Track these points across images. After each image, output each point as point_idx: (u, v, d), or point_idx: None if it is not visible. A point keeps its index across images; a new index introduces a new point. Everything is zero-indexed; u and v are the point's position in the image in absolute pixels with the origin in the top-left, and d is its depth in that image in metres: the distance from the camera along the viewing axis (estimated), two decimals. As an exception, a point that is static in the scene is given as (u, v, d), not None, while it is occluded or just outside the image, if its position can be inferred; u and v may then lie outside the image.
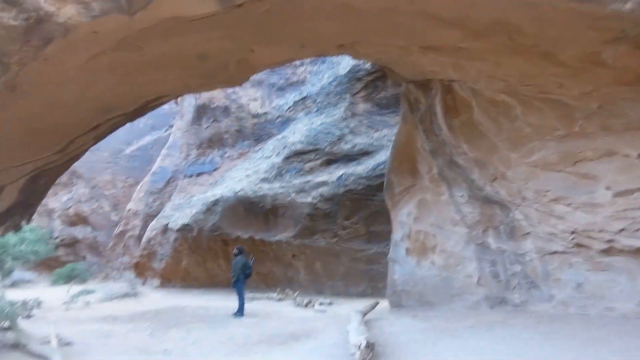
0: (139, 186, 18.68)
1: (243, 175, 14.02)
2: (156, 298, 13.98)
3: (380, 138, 11.83)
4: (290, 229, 12.31)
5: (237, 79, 7.83)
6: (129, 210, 18.53)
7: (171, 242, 15.16)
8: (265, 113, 14.72)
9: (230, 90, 15.36)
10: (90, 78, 6.61)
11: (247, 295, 12.71)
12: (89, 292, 12.51)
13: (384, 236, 10.74)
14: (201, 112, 16.12)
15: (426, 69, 7.48)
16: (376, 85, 12.51)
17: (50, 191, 22.73)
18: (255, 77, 15.15)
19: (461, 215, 8.27)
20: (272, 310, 10.81)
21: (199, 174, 15.80)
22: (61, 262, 21.76)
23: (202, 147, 16.05)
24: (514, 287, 7.57)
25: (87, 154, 21.27)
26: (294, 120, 13.94)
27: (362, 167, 11.75)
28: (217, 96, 15.61)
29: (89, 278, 19.67)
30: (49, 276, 20.22)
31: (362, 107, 12.54)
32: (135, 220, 17.98)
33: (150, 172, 18.44)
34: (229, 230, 13.51)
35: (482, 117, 7.50)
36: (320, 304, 10.88)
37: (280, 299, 12.05)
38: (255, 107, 14.89)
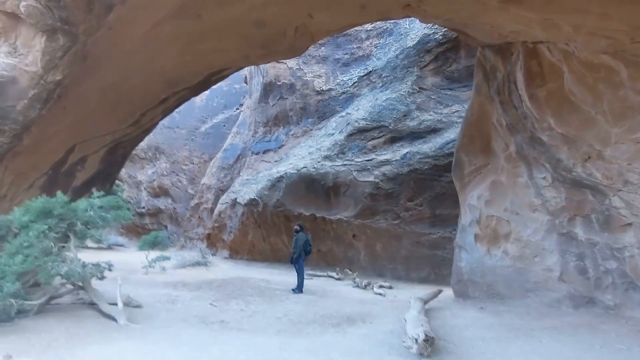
0: (212, 162, 19.15)
1: (306, 152, 13.54)
2: (224, 268, 14.23)
3: (450, 114, 10.57)
4: (351, 208, 11.64)
5: (296, 49, 7.20)
6: (203, 184, 19.10)
7: (239, 216, 15.29)
8: (329, 90, 13.99)
9: (295, 67, 14.85)
10: (154, 47, 6.40)
11: (307, 272, 12.43)
12: (165, 258, 13.01)
13: (450, 220, 9.66)
14: (268, 90, 15.83)
15: (506, 29, 6.20)
16: (447, 57, 11.16)
17: (138, 164, 24.35)
18: (320, 53, 14.50)
19: (542, 200, 6.97)
20: (331, 289, 10.34)
21: (265, 151, 15.64)
22: (148, 229, 23.33)
23: (268, 125, 15.82)
24: (607, 287, 6.21)
25: (168, 131, 22.35)
26: (358, 97, 13.06)
27: (428, 146, 10.63)
28: (283, 74, 15.17)
29: (169, 245, 20.91)
30: (137, 242, 21.96)
31: (430, 81, 11.30)
32: (209, 194, 18.48)
33: (222, 148, 18.75)
34: (292, 207, 13.19)
35: (575, 85, 6.07)
36: (380, 286, 10.17)
37: (339, 279, 11.55)
38: (319, 83, 14.22)
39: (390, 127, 11.42)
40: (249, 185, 15.20)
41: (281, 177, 13.58)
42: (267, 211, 13.91)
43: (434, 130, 10.77)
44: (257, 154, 16.00)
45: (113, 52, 6.08)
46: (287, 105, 15.00)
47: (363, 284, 10.25)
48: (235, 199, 15.53)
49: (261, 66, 16.24)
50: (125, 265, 13.39)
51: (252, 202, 14.53)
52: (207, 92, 21.71)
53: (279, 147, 15.10)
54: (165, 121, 22.49)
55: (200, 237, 18.30)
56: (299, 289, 9.61)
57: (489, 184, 7.83)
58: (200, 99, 21.36)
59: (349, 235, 11.84)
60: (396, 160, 10.91)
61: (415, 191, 10.56)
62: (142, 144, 23.12)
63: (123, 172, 24.37)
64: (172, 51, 6.39)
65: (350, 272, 11.18)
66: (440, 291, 8.19)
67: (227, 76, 8.44)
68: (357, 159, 11.76)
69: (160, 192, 22.40)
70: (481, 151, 7.89)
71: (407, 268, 10.93)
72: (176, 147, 21.36)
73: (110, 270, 7.12)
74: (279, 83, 15.28)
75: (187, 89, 7.58)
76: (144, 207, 23.07)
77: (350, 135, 12.18)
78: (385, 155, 11.26)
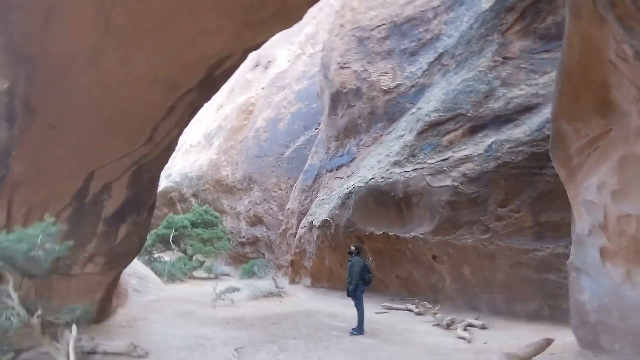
0: (294, 186, 18.24)
1: (375, 161, 11.45)
2: (297, 300, 12.70)
3: (548, 84, 7.47)
4: (427, 221, 9.08)
5: (291, 9, 5.56)
6: (288, 209, 18.20)
7: (315, 239, 13.77)
8: (397, 86, 11.81)
9: (360, 69, 13.09)
10: (120, 44, 5.45)
11: (384, 304, 10.12)
12: (234, 290, 12.11)
13: (564, 229, 6.49)
14: (336, 100, 14.30)
15: None
16: (537, 10, 8.15)
17: (237, 195, 24.87)
18: (385, 47, 12.46)
19: None
20: (402, 328, 7.89)
21: (339, 167, 13.97)
22: (248, 258, 23.38)
23: (339, 138, 14.19)
24: None
25: (257, 160, 22.33)
26: (430, 87, 10.60)
27: (521, 130, 7.65)
28: (348, 79, 13.51)
29: (266, 273, 20.39)
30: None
31: (517, 46, 8.34)
32: (293, 218, 17.43)
33: (303, 170, 17.73)
34: (362, 226, 11.12)
35: None
36: (468, 326, 7.39)
37: (419, 313, 8.98)
38: (386, 82, 12.15)
39: (468, 115, 8.72)
40: (322, 206, 13.63)
41: (350, 192, 11.70)
42: (339, 232, 12.08)
43: (527, 109, 7.76)
44: (330, 171, 14.43)
45: (72, 57, 5.23)
46: (355, 112, 13.21)
47: (445, 321, 7.58)
48: (312, 221, 14.08)
49: (328, 76, 14.92)
50: (202, 296, 12.95)
51: (324, 224, 12.88)
52: (288, 116, 21.33)
53: (351, 161, 13.27)
54: (255, 151, 22.65)
55: (288, 264, 17.25)
56: (358, 328, 7.49)
57: (615, 162, 4.81)
58: (282, 125, 20.99)
59: (428, 256, 9.23)
60: (479, 154, 8.13)
61: (509, 192, 7.61)
62: (238, 175, 23.66)
63: (225, 204, 25.27)
64: (145, 45, 5.36)
65: (429, 306, 8.56)
66: (549, 343, 5.20)
67: (233, 69, 7.18)
68: (429, 161, 9.25)
69: (256, 220, 22.31)
70: (595, 111, 4.90)
71: (508, 299, 7.84)
72: (265, 175, 21.14)
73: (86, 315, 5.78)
74: (345, 91, 13.65)
75: (191, 92, 6.48)
76: (244, 237, 23.25)
77: (420, 132, 9.77)
78: (465, 150, 8.56)
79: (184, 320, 9.28)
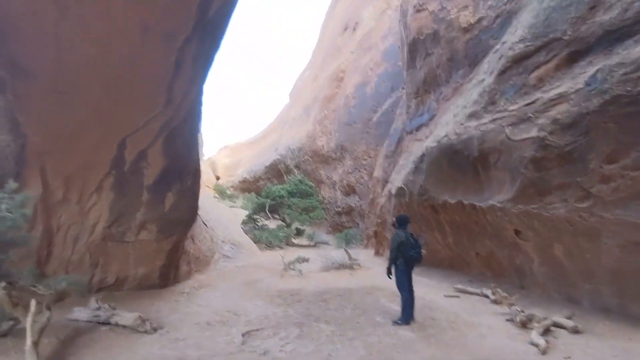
0: (380, 152, 16.62)
1: (451, 116, 9.29)
2: (369, 273, 11.42)
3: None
4: (507, 186, 6.85)
5: None
6: (374, 177, 16.77)
7: (392, 209, 12.25)
8: (478, 20, 9.21)
9: (437, 8, 10.72)
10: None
11: (458, 285, 8.28)
12: (303, 260, 11.53)
13: None
14: (413, 51, 12.13)
15: None
16: None
17: (332, 165, 24.21)
18: (465, -25, 9.86)
19: None
20: (465, 320, 6.11)
21: (418, 127, 11.96)
22: (345, 227, 22.81)
23: (419, 94, 12.07)
24: None
25: (347, 127, 21.14)
26: (518, 13, 7.89)
27: (645, 46, 4.96)
28: (425, 23, 11.22)
29: (359, 243, 19.54)
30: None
31: None
32: (378, 187, 15.99)
33: (388, 135, 15.96)
34: (435, 193, 9.21)
35: None
36: (554, 326, 5.28)
37: (495, 301, 6.96)
38: (466, 17, 9.61)
39: (565, 38, 6.08)
40: (400, 172, 11.95)
41: (423, 155, 9.83)
42: (413, 201, 10.35)
43: (657, 14, 4.98)
44: (410, 132, 12.49)
45: (45, 11, 4.78)
46: (434, 61, 10.95)
47: (520, 317, 5.57)
48: (391, 189, 12.55)
49: (405, 25, 12.78)
50: (276, 265, 12.70)
51: (399, 192, 11.26)
52: (375, 79, 19.43)
53: (431, 119, 11.17)
54: (345, 118, 21.48)
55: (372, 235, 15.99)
56: (403, 317, 6.05)
57: None
58: (370, 88, 19.28)
59: (510, 231, 7.01)
60: (577, 90, 5.59)
61: (621, 141, 5.02)
62: (332, 145, 22.92)
63: (322, 174, 24.94)
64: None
65: (504, 295, 6.50)
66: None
67: (229, 7, 6.03)
68: (511, 107, 6.89)
69: (349, 189, 21.42)
70: None
71: (619, 293, 5.34)
72: (355, 142, 19.91)
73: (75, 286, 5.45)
74: (422, 37, 11.42)
75: (190, 41, 5.63)
76: (339, 206, 22.67)
77: (502, 72, 7.35)
78: (558, 87, 6.02)
79: (241, 291, 9.02)
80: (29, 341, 3.87)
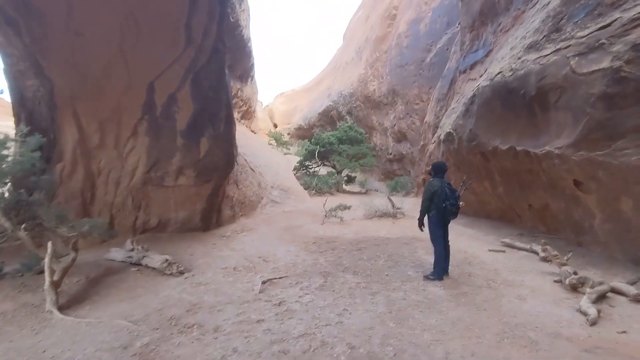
0: (432, 95, 15.20)
1: (508, 49, 7.94)
2: (411, 223, 10.89)
3: None
4: (568, 130, 5.74)
5: None
6: (425, 122, 15.55)
7: (441, 156, 11.32)
8: None
9: None
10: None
11: (505, 239, 7.53)
12: (345, 207, 11.26)
13: None
14: (470, -25, 10.42)
15: None
16: None
17: (384, 111, 22.98)
18: None
19: None
20: (505, 278, 5.53)
21: (472, 65, 10.56)
22: (397, 174, 22.05)
23: (474, 28, 10.50)
24: None
25: (399, 70, 19.60)
26: None
27: None
28: (485, -60, 9.46)
29: (410, 191, 18.84)
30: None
31: None
32: (429, 132, 14.85)
33: (441, 76, 14.44)
34: (485, 139, 8.18)
35: None
36: (612, 292, 4.51)
37: (544, 258, 6.16)
38: None
39: None
40: (450, 116, 10.83)
41: (473, 96, 8.69)
42: (462, 148, 9.39)
43: None
44: (464, 72, 11.10)
45: None
46: (493, -14, 9.31)
47: (568, 280, 4.83)
48: (440, 135, 11.53)
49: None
50: (320, 212, 12.58)
51: (447, 138, 10.28)
52: (429, 14, 17.34)
53: (486, 55, 9.74)
54: (397, 59, 19.85)
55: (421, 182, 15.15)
56: (435, 272, 5.59)
57: None
58: (424, 25, 17.35)
59: (568, 181, 5.99)
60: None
61: None
62: (383, 89, 21.58)
63: (374, 120, 23.86)
64: None
65: (555, 253, 5.68)
66: None
67: None
68: (580, 33, 5.60)
69: (401, 136, 20.32)
70: None
71: None
72: (407, 86, 18.44)
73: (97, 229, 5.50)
74: (480, -43, 9.69)
75: None
76: (390, 153, 21.79)
77: (572, -9, 5.96)
78: (644, 2, 4.72)
79: (279, 236, 9.05)
80: (47, 280, 4.11)
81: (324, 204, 11.57)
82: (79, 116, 6.34)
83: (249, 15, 22.13)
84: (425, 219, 5.73)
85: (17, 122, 5.99)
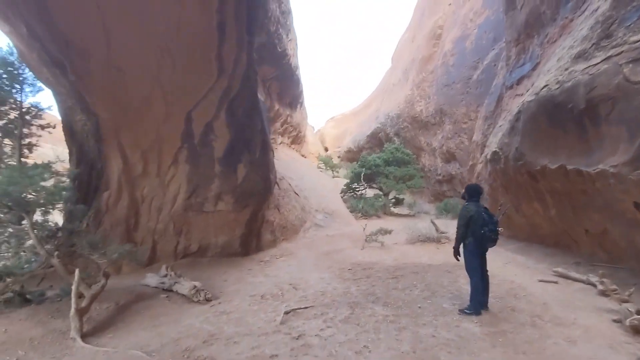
0: (479, 113, 14.37)
1: (555, 61, 7.27)
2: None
3: None
4: (623, 145, 5.00)
5: None
6: (473, 141, 14.67)
7: (487, 177, 10.53)
8: None
9: None
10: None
11: (558, 268, 6.68)
12: (386, 232, 10.79)
13: None
14: (513, -13, 9.85)
15: None
16: None
17: (432, 131, 22.19)
18: None
19: None
20: (555, 315, 4.87)
21: (519, 80, 9.83)
22: (446, 196, 20.98)
23: (520, 41, 9.82)
24: None
25: (446, 89, 18.95)
26: None
27: None
28: (526, -50, 8.93)
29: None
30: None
31: None
32: (477, 152, 13.97)
33: (488, 93, 13.64)
34: (532, 158, 7.44)
35: None
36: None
37: (603, 292, 5.29)
38: None
39: None
40: (497, 135, 10.10)
41: (519, 112, 8.03)
42: (509, 167, 8.64)
43: None
44: (511, 87, 10.37)
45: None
46: (538, -4, 8.68)
47: (629, 320, 4.06)
48: (487, 154, 10.78)
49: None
50: (353, 236, 12.16)
51: (494, 157, 9.56)
52: (475, 30, 16.64)
53: (533, 69, 9.03)
54: (444, 79, 19.22)
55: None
56: (472, 305, 5.04)
57: None
58: (469, 42, 16.68)
59: (627, 203, 5.16)
60: None
61: None
62: (430, 109, 20.95)
63: (422, 141, 23.12)
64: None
65: (613, 287, 4.84)
66: None
67: None
68: (634, 37, 4.94)
69: (449, 156, 19.41)
70: None
71: None
72: (455, 104, 17.69)
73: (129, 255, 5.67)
74: (522, -31, 9.15)
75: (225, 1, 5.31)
76: (440, 174, 20.86)
77: (623, -7, 5.33)
78: None
79: (316, 261, 8.84)
80: (72, 307, 4.26)
81: (364, 228, 11.22)
82: (123, 147, 6.79)
83: (296, 44, 22.91)
84: (462, 247, 5.26)
85: (70, 155, 6.56)
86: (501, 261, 8.04)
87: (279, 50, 18.36)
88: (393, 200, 21.20)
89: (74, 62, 5.53)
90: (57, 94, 6.33)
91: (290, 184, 15.33)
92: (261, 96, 18.46)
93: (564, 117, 6.26)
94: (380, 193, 21.03)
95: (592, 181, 5.77)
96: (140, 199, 7.41)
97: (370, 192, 22.03)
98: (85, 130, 6.51)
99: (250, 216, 8.94)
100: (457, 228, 5.20)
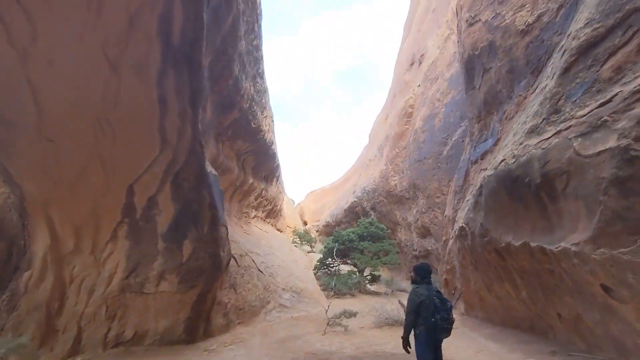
0: (450, 188, 14.38)
1: (511, 136, 7.30)
2: None
3: None
4: (582, 221, 4.69)
5: None
6: (445, 216, 14.46)
7: (455, 253, 10.07)
8: (538, 17, 7.29)
9: (491, 16, 9.03)
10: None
11: (538, 356, 5.95)
12: (350, 314, 9.86)
13: None
14: (469, 69, 10.35)
15: None
16: None
17: (406, 205, 22.10)
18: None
19: None
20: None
21: (483, 155, 9.89)
22: (424, 274, 20.17)
23: (481, 118, 10.09)
24: None
25: (418, 164, 19.23)
26: (585, -6, 5.95)
27: None
28: (479, 36, 9.54)
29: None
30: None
31: None
32: (449, 227, 13.68)
33: (457, 168, 13.79)
34: (497, 234, 7.07)
35: None
36: None
37: None
38: (523, 18, 7.76)
39: (649, 5, 4.17)
40: (464, 209, 9.87)
41: (481, 186, 7.86)
42: (476, 244, 8.22)
43: None
44: (476, 162, 10.43)
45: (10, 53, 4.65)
46: (493, 77, 9.08)
47: None
48: (456, 230, 10.43)
49: (461, 42, 11.19)
50: (318, 318, 11.12)
51: (461, 233, 9.19)
52: (442, 109, 17.48)
53: (495, 144, 9.12)
54: (415, 154, 19.65)
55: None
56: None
57: None
58: (438, 120, 17.38)
59: (595, 285, 4.70)
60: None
61: None
62: (404, 184, 21.06)
63: (398, 215, 22.89)
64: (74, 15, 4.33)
65: None
66: None
67: (198, 33, 5.27)
68: (580, 112, 4.90)
69: (424, 231, 19.05)
70: None
71: None
72: (427, 179, 17.83)
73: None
74: (477, 53, 9.69)
75: (165, 72, 5.11)
76: (416, 250, 20.28)
77: (565, 71, 5.42)
78: (644, 73, 4.05)
79: (268, 351, 7.75)
80: None
81: (327, 310, 10.25)
82: (52, 221, 6.16)
83: (272, 120, 23.48)
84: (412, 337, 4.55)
85: None
86: (472, 349, 7.19)
87: (253, 126, 18.61)
88: (369, 277, 20.23)
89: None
90: (-25, 163, 5.84)
91: (254, 261, 14.40)
92: (236, 170, 18.35)
93: (523, 192, 6.01)
94: (355, 270, 20.11)
95: (557, 261, 5.33)
96: (68, 279, 6.54)
97: (345, 269, 21.08)
98: (8, 204, 5.91)
99: (198, 297, 7.98)
100: (405, 315, 4.55)
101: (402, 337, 4.48)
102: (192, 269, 7.66)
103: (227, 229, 8.61)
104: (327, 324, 9.56)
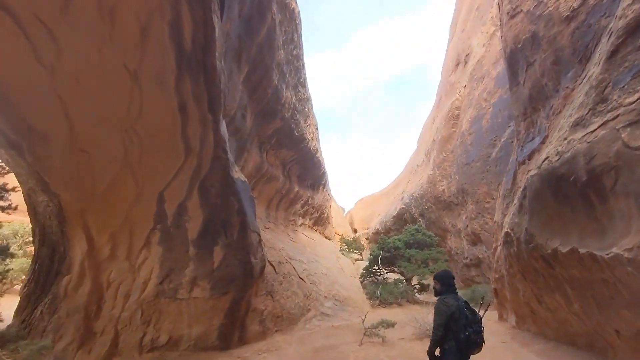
0: (499, 192, 13.38)
1: (556, 132, 6.61)
2: None
3: None
4: (635, 223, 4.04)
5: None
6: (495, 222, 13.45)
7: (503, 260, 9.28)
8: (583, 1, 6.59)
9: (532, 5, 8.35)
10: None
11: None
12: (389, 324, 9.43)
13: None
14: (513, 64, 9.60)
15: None
16: None
17: (455, 212, 20.97)
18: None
19: None
20: None
21: (530, 155, 9.08)
22: (475, 282, 18.97)
23: (527, 115, 9.29)
24: None
25: (466, 168, 18.24)
26: (634, -32, 5.24)
27: None
28: (520, 28, 8.81)
29: (491, 302, 15.71)
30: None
31: None
32: (499, 233, 12.69)
33: (506, 171, 12.81)
34: (542, 239, 6.38)
35: None
36: None
37: None
38: (567, 3, 7.03)
39: None
40: (510, 214, 9.10)
41: (525, 188, 7.19)
42: (522, 251, 7.51)
43: None
44: (523, 163, 9.60)
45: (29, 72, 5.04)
46: (537, 70, 8.33)
47: None
48: (502, 236, 9.64)
49: (502, 38, 10.49)
50: (359, 327, 10.70)
51: (506, 239, 8.48)
52: (490, 109, 16.40)
53: (542, 142, 8.33)
54: (463, 158, 18.65)
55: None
56: None
57: None
58: (485, 121, 16.36)
59: None
60: None
61: None
62: (452, 189, 20.07)
63: (447, 222, 21.82)
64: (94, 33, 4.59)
65: None
66: None
67: (210, 38, 5.28)
68: (629, 99, 4.29)
69: (475, 238, 17.92)
70: None
71: None
72: (475, 184, 16.81)
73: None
74: (519, 45, 8.97)
75: (182, 79, 5.25)
76: (466, 257, 19.15)
77: (612, 55, 4.79)
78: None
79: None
80: None
81: (363, 320, 9.90)
82: (89, 228, 6.57)
83: (316, 128, 23.65)
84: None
85: (33, 237, 6.41)
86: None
87: (297, 134, 18.85)
88: (417, 286, 19.44)
89: (32, 144, 5.63)
90: (17, 175, 6.43)
91: (295, 268, 14.40)
92: (281, 178, 18.64)
93: (569, 192, 5.38)
94: (402, 278, 19.42)
95: (609, 268, 4.67)
96: (105, 283, 6.94)
97: (393, 277, 20.45)
98: (48, 212, 6.42)
99: (231, 304, 8.07)
100: (433, 329, 4.17)
101: (428, 353, 4.12)
102: (223, 275, 7.78)
103: (259, 235, 8.68)
104: (364, 334, 9.23)
